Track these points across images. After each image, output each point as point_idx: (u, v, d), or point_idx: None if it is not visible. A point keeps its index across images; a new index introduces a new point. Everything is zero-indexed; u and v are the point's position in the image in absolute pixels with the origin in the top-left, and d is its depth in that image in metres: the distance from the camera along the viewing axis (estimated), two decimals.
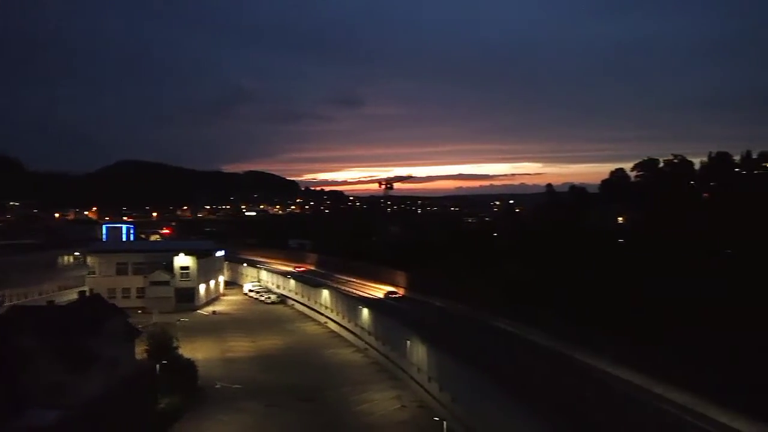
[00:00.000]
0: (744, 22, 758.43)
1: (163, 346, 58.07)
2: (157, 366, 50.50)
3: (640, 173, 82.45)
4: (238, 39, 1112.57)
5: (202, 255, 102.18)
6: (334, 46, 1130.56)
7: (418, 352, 54.67)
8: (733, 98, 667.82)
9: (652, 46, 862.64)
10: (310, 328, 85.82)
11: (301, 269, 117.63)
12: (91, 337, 50.82)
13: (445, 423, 38.56)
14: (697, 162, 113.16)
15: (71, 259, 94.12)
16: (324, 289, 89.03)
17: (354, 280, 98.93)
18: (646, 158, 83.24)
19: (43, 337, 48.02)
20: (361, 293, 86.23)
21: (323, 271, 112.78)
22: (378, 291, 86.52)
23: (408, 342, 56.09)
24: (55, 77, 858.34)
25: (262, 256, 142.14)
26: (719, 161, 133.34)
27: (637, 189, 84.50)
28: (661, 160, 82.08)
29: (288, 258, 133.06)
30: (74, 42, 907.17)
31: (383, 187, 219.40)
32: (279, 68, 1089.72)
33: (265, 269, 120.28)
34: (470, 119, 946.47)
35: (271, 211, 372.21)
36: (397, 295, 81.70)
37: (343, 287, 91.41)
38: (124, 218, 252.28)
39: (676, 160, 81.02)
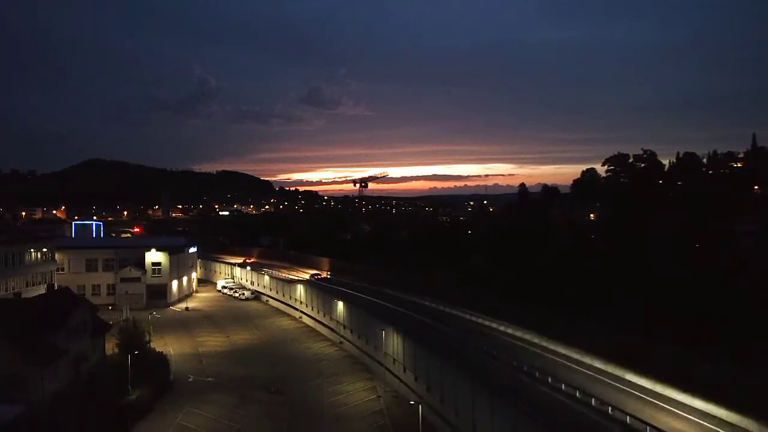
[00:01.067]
0: (714, 26, 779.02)
1: (134, 340, 57.11)
2: (129, 359, 49.36)
3: (611, 168, 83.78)
4: (209, 38, 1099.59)
5: (174, 251, 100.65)
6: (307, 46, 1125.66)
7: (394, 342, 54.76)
8: (706, 100, 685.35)
9: (623, 49, 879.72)
10: (284, 323, 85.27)
11: (250, 260, 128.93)
12: (55, 331, 49.82)
13: (420, 407, 38.64)
14: (666, 163, 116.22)
15: (39, 255, 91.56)
16: (299, 284, 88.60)
17: (289, 266, 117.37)
18: (616, 153, 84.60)
19: (5, 330, 46.89)
20: (291, 276, 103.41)
21: (267, 262, 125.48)
22: (306, 274, 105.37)
23: (383, 332, 56.14)
24: (21, 75, 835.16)
25: (221, 254, 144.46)
26: (687, 161, 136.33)
27: (608, 185, 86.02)
28: (631, 155, 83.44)
29: (235, 254, 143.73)
30: (41, 40, 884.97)
31: (358, 186, 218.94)
32: (250, 68, 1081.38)
33: (238, 266, 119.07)
34: (442, 120, 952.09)
35: (244, 211, 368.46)
36: (320, 276, 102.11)
37: (276, 272, 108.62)
38: (94, 217, 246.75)
39: (645, 155, 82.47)
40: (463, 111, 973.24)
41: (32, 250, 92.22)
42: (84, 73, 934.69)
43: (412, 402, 43.81)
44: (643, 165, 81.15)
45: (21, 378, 45.27)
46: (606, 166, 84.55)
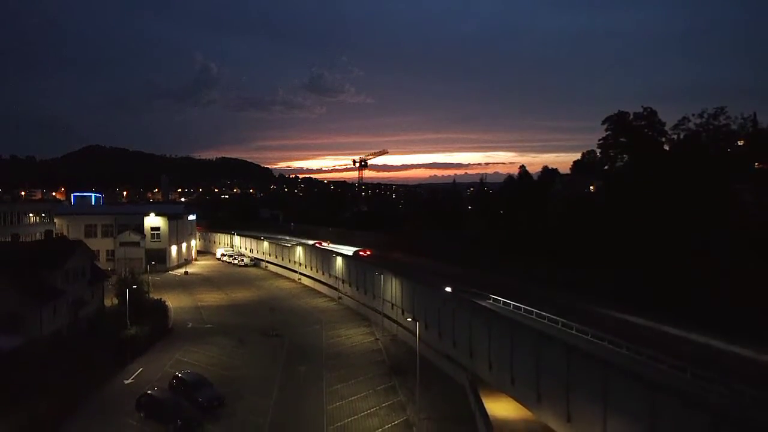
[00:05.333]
0: (712, 16, 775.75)
1: (132, 287, 57.08)
2: (127, 296, 49.45)
3: (610, 127, 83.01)
4: (211, 25, 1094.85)
5: (173, 217, 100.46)
6: (309, 33, 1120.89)
7: (392, 287, 54.83)
8: (708, 89, 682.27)
9: (625, 38, 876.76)
10: (284, 284, 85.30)
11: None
12: (53, 272, 49.92)
13: (417, 323, 38.67)
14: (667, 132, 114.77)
15: (38, 219, 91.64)
16: (298, 246, 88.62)
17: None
18: (617, 111, 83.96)
19: (4, 268, 46.98)
20: None
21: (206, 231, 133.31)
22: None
23: (382, 278, 56.18)
24: (21, 62, 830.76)
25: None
26: (687, 139, 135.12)
27: (607, 145, 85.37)
28: (631, 113, 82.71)
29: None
30: (39, 27, 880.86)
31: (357, 165, 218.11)
32: (252, 55, 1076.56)
33: (237, 234, 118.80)
34: (443, 108, 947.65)
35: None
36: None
37: None
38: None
39: (645, 113, 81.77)
40: (464, 99, 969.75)
41: (31, 214, 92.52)
42: (84, 59, 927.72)
43: (410, 319, 44.01)
44: (642, 123, 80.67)
45: (20, 315, 45.37)
46: (606, 125, 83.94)
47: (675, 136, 75.49)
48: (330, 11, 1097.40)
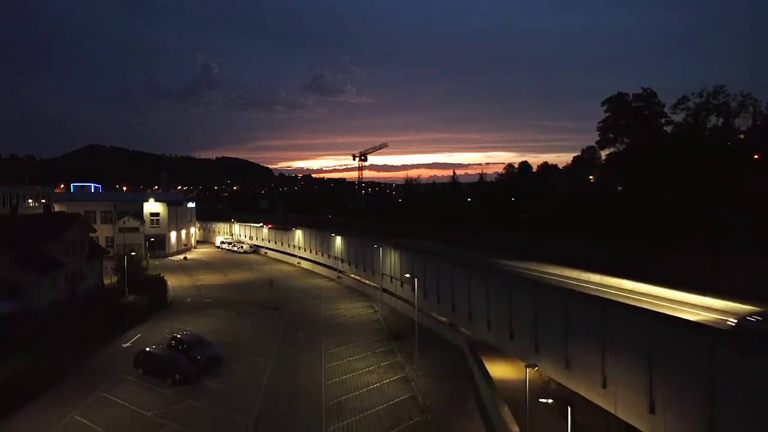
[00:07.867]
0: (713, 16, 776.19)
1: (130, 262, 57.06)
2: (125, 263, 49.43)
3: (610, 108, 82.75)
4: (213, 25, 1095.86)
5: (173, 203, 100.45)
6: (311, 33, 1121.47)
7: (391, 260, 54.76)
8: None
9: (627, 37, 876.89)
10: (283, 268, 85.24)
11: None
12: (52, 243, 49.96)
13: (416, 280, 38.66)
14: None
15: (37, 204, 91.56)
16: (297, 230, 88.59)
17: None
18: (615, 93, 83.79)
19: (3, 238, 46.99)
20: None
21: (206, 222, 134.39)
22: None
23: (381, 251, 56.12)
24: (22, 61, 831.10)
25: None
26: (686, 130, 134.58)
27: (606, 127, 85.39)
28: (630, 94, 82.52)
29: None
30: (40, 27, 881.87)
31: (357, 159, 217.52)
32: (254, 55, 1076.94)
33: (237, 223, 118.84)
34: (444, 108, 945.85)
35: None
36: None
37: None
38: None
39: (645, 94, 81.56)
40: (464, 99, 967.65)
41: (30, 200, 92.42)
42: (86, 59, 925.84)
43: (407, 275, 44.00)
44: (641, 104, 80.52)
45: (18, 284, 45.34)
46: (605, 107, 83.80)
47: (675, 118, 75.55)
48: (332, 11, 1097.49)
